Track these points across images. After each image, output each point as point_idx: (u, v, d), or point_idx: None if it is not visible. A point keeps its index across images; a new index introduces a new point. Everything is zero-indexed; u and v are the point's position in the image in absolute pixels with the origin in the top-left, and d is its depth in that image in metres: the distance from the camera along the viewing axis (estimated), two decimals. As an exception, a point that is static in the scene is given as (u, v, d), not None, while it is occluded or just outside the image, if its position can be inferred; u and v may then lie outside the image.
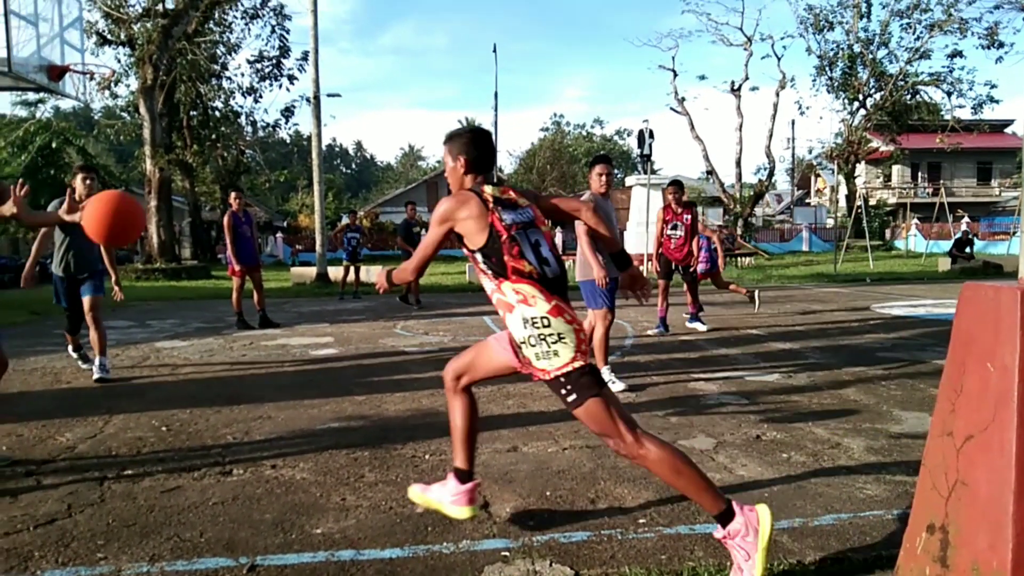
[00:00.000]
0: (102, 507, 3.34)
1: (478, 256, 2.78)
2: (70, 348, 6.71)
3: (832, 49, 32.13)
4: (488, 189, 2.83)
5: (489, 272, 2.77)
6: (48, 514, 3.25)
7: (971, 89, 31.27)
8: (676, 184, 9.00)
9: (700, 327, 8.97)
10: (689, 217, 8.83)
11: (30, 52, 8.73)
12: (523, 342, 2.72)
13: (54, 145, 26.82)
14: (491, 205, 2.76)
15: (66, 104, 32.38)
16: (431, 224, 2.85)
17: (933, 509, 2.29)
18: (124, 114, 30.85)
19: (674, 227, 8.84)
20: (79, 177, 6.07)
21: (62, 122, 30.91)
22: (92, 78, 10.63)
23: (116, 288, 6.54)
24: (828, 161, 36.52)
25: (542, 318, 2.66)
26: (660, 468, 2.65)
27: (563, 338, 2.64)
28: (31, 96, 27.13)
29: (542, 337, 2.65)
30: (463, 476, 3.01)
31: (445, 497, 3.01)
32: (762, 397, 5.45)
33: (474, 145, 2.92)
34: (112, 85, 24.74)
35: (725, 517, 2.56)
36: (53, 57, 9.31)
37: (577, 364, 2.64)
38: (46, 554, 2.84)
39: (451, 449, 3.09)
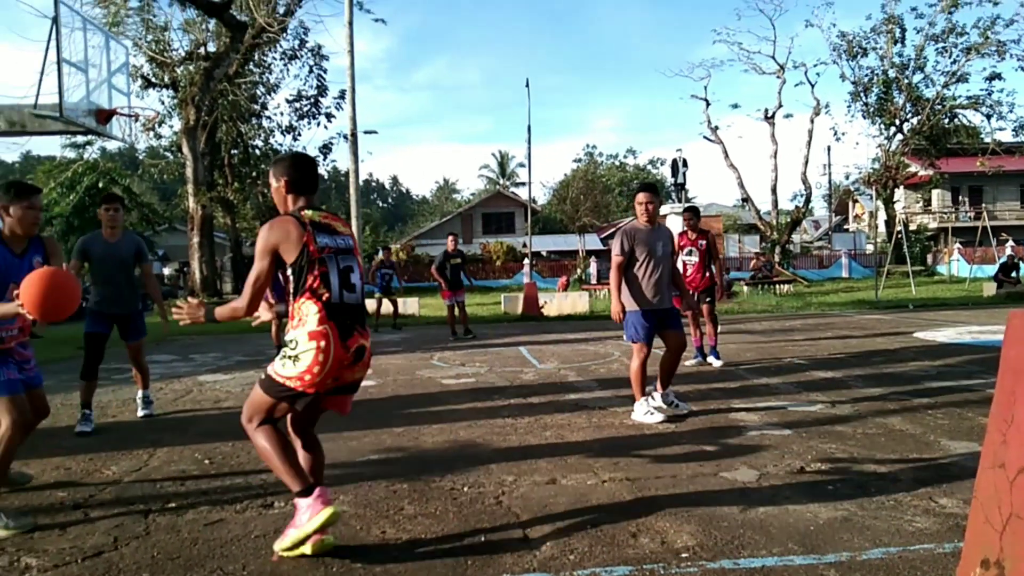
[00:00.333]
0: (147, 540, 3.39)
1: (289, 272, 3.06)
2: (80, 403, 5.96)
3: (866, 75, 31.87)
4: (308, 213, 3.13)
5: (293, 288, 3.08)
6: (95, 547, 3.31)
7: (1011, 111, 30.69)
8: (691, 210, 9.02)
9: (715, 362, 8.57)
10: (704, 243, 8.74)
11: (80, 97, 9.05)
12: (280, 355, 3.08)
13: (101, 185, 27.61)
14: (308, 227, 3.05)
15: (112, 145, 33.42)
16: (256, 256, 3.06)
17: (987, 543, 2.22)
18: (168, 154, 31.69)
19: (689, 253, 8.74)
20: (102, 208, 6.02)
21: (108, 162, 31.83)
22: (137, 120, 10.96)
23: (164, 323, 6.17)
24: (866, 187, 35.99)
25: (295, 341, 3.02)
26: (261, 454, 3.15)
27: (299, 360, 2.99)
28: (79, 138, 28.04)
29: (285, 356, 3.03)
30: (305, 492, 3.07)
31: (302, 523, 3.04)
32: (805, 427, 5.35)
33: (295, 168, 3.25)
34: (156, 126, 25.52)
35: (304, 493, 3.03)
36: (101, 101, 9.64)
37: (291, 384, 3.02)
38: (94, 587, 2.89)
39: (287, 481, 3.13)
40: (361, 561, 3.08)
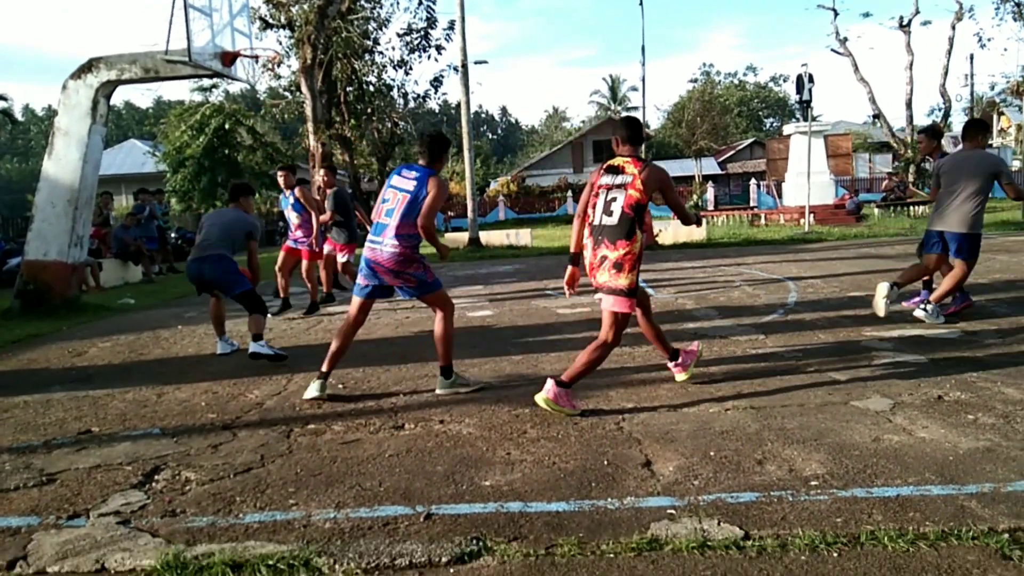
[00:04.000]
0: (290, 458, 3.64)
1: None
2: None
3: (1020, -30, 28.64)
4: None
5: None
6: (245, 463, 3.59)
7: None
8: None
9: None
10: None
11: (206, 41, 9.38)
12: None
13: (227, 126, 28.79)
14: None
15: (234, 88, 34.75)
16: None
17: None
18: (287, 93, 32.64)
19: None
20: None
21: (232, 104, 33.10)
22: (258, 61, 11.29)
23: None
24: (1014, 97, 32.82)
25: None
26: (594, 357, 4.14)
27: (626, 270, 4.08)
28: (205, 82, 29.26)
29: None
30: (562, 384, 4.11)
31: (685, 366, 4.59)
32: (943, 354, 5.07)
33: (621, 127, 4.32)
34: (276, 66, 26.21)
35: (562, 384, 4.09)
36: (225, 44, 9.95)
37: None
38: (246, 499, 3.14)
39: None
40: (489, 480, 3.20)
